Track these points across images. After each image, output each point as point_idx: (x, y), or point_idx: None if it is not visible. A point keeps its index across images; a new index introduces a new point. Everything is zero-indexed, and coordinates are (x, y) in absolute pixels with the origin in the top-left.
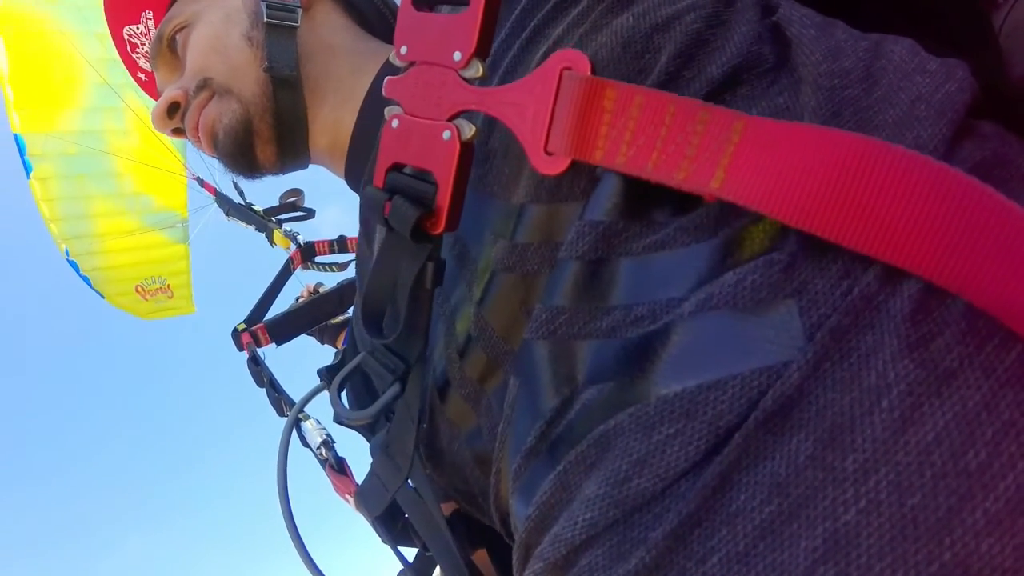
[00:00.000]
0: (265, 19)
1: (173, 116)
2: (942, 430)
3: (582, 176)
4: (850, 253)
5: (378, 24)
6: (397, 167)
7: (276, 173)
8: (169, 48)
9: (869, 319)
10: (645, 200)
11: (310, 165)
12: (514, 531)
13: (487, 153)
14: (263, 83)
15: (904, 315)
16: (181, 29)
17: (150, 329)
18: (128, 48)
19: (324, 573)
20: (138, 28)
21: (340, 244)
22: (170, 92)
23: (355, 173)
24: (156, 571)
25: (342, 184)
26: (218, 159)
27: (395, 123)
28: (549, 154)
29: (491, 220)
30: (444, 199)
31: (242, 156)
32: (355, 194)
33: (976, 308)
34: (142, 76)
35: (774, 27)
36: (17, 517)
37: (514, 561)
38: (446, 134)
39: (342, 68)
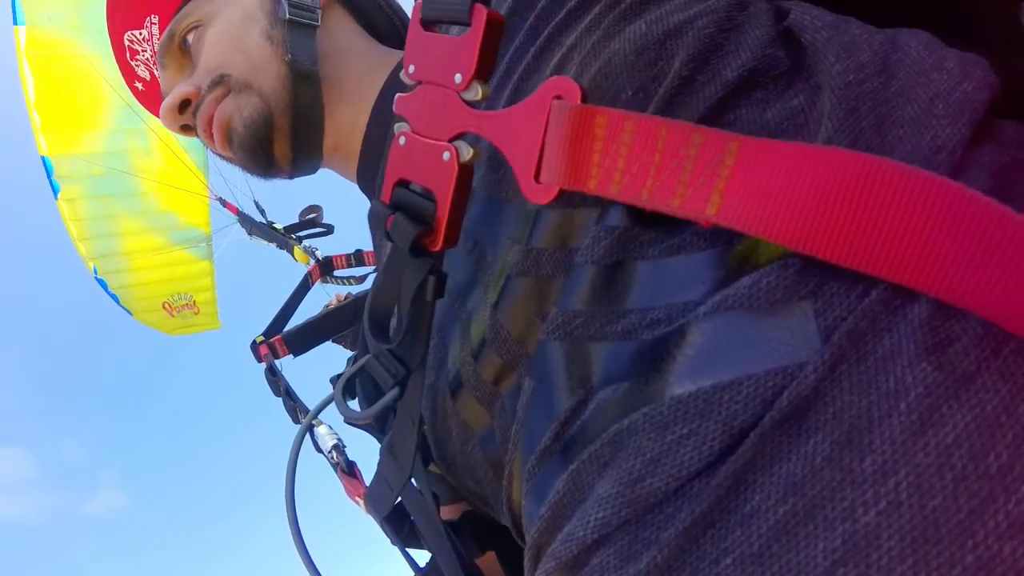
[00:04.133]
0: (288, 15)
1: (184, 112)
2: (962, 432)
3: None
4: None
5: (387, 32)
6: (403, 183)
7: (288, 174)
8: (180, 47)
9: (886, 323)
10: None
11: (320, 169)
12: (526, 532)
13: (503, 159)
14: (283, 79)
15: (921, 320)
16: (195, 28)
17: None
18: (128, 55)
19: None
20: (140, 34)
21: (357, 258)
22: (182, 88)
23: (367, 175)
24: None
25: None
26: (229, 157)
27: (402, 140)
28: (539, 183)
29: (507, 225)
30: (443, 217)
31: (261, 150)
32: (365, 198)
33: None
34: (139, 85)
35: (786, 32)
36: (171, 518)
37: (525, 562)
38: (446, 155)
39: (356, 70)
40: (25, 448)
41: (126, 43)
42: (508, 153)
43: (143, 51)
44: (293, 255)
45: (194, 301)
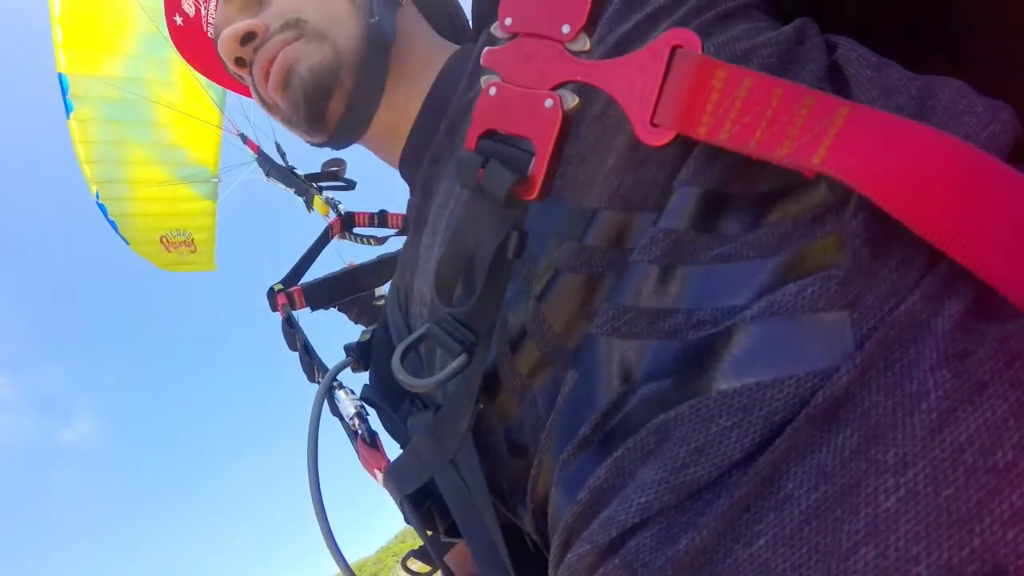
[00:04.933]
0: None
1: (245, 44)
2: (974, 432)
3: (657, 187)
4: (899, 273)
5: (444, 25)
6: (490, 134)
7: (327, 135)
8: None
9: (913, 334)
10: (716, 214)
11: (351, 145)
12: (552, 521)
13: (563, 159)
14: (360, 39)
15: (944, 332)
16: None
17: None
18: None
19: (342, 552)
20: None
21: (380, 218)
22: (251, 21)
23: (412, 158)
24: (266, 484)
25: None
26: (272, 104)
27: (492, 91)
28: (655, 126)
29: (558, 221)
30: (540, 167)
31: (319, 100)
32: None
33: (1006, 331)
34: (178, 19)
35: (833, 65)
36: (142, 451)
37: (553, 548)
38: (548, 102)
39: (419, 54)
40: (6, 370)
41: None
42: (621, 98)
43: None
44: (312, 204)
45: (192, 239)
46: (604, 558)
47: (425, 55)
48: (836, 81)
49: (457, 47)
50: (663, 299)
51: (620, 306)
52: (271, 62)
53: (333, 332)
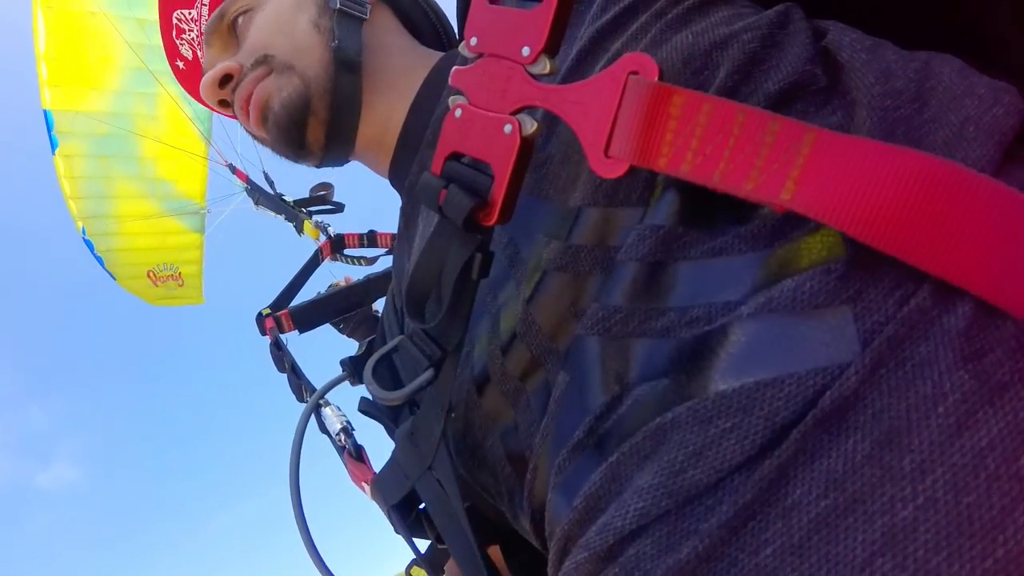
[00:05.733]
0: (339, 5)
1: (224, 87)
2: (996, 436)
3: (640, 182)
4: (902, 266)
5: (428, 33)
6: (456, 156)
7: (318, 159)
8: (229, 27)
9: (923, 332)
10: (705, 207)
11: (348, 162)
12: (549, 527)
13: (544, 158)
14: (326, 65)
15: (958, 331)
16: (246, 11)
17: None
18: (174, 33)
19: (328, 567)
20: (190, 13)
21: (370, 238)
22: (225, 64)
23: (400, 169)
24: (244, 542)
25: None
26: (260, 137)
27: (458, 113)
28: (609, 157)
29: (545, 222)
30: (499, 192)
31: (295, 132)
32: (394, 190)
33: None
34: (180, 64)
35: (824, 51)
36: (121, 501)
37: (551, 555)
38: (507, 128)
39: (397, 66)
40: None
41: (174, 21)
42: (576, 127)
43: (190, 31)
44: (302, 229)
45: (180, 273)
46: (603, 566)
47: (404, 66)
48: (828, 67)
49: (442, 54)
50: (653, 297)
51: (609, 307)
52: (247, 101)
53: (337, 350)
